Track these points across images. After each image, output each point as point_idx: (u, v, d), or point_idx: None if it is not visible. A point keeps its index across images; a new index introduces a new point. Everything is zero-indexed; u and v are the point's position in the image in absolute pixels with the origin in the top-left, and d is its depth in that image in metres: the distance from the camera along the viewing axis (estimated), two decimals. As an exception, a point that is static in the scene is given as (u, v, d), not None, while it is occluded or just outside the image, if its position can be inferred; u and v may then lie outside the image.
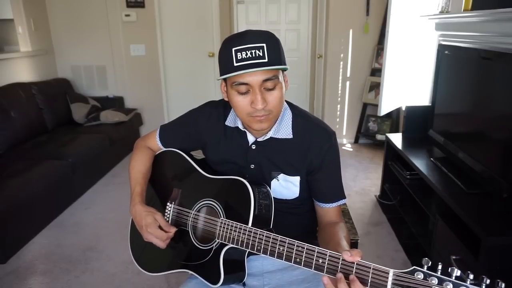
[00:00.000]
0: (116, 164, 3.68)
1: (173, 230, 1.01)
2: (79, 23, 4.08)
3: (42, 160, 2.72)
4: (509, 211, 1.59)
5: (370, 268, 0.74)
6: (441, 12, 2.44)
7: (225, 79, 0.97)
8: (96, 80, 4.28)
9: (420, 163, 2.20)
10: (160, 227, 1.00)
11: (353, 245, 1.48)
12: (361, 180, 3.26)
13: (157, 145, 1.19)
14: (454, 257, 1.64)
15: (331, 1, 3.85)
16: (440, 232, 1.86)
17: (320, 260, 0.80)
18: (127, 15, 4.07)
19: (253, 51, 0.88)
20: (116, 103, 4.18)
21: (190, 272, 1.03)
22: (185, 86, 4.51)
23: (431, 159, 2.25)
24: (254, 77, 0.90)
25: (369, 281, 0.74)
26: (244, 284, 1.07)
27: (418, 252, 2.17)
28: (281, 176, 1.05)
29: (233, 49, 0.88)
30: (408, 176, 2.41)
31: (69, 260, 2.19)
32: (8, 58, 3.41)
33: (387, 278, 0.72)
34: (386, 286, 0.72)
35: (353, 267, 0.76)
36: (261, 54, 0.88)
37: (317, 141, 1.03)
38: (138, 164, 1.15)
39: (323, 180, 1.05)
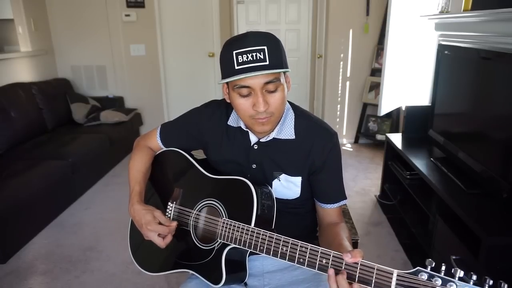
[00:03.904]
0: (116, 164, 3.68)
1: (174, 224, 1.01)
2: (79, 23, 4.08)
3: (42, 160, 2.72)
4: (509, 211, 1.59)
5: (374, 268, 0.75)
6: (441, 12, 2.44)
7: (227, 82, 0.97)
8: (96, 80, 4.28)
9: (420, 163, 2.20)
10: (161, 224, 1.00)
11: (353, 245, 1.48)
12: (361, 180, 3.26)
13: (158, 144, 1.19)
14: (454, 257, 1.64)
15: (331, 1, 3.85)
16: (440, 232, 1.86)
17: (324, 261, 0.80)
18: (127, 15, 4.07)
19: (254, 54, 0.87)
20: (116, 103, 4.19)
21: (191, 272, 1.03)
22: (185, 86, 4.51)
23: (431, 159, 2.25)
24: (256, 80, 0.90)
25: (373, 281, 0.74)
26: (245, 284, 1.07)
27: (418, 252, 2.17)
28: (283, 176, 1.05)
29: (234, 52, 0.88)
30: (408, 176, 2.41)
31: (69, 260, 2.19)
32: (8, 58, 3.41)
33: (391, 278, 0.72)
34: (390, 286, 0.72)
35: (357, 268, 0.76)
36: (262, 57, 0.87)
37: (320, 142, 1.03)
38: (138, 163, 1.14)
39: (325, 180, 1.05)
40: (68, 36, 4.12)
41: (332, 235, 0.98)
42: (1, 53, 3.51)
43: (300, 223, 1.12)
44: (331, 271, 0.78)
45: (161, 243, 0.99)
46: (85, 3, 4.02)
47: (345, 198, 1.09)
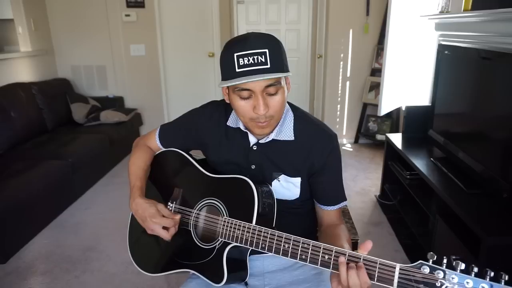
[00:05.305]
0: (116, 164, 3.68)
1: (178, 217, 1.01)
2: (79, 23, 4.09)
3: (42, 160, 2.72)
4: (509, 211, 1.59)
5: (376, 263, 0.75)
6: (441, 12, 2.44)
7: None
8: (96, 80, 4.28)
9: (420, 163, 2.20)
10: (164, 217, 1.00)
11: (353, 245, 1.48)
12: (361, 180, 3.26)
13: (157, 145, 1.19)
14: (454, 257, 1.64)
15: (331, 1, 3.85)
16: (440, 232, 1.86)
17: (326, 257, 0.80)
18: (127, 15, 4.07)
19: (255, 57, 0.87)
20: (116, 103, 4.19)
21: (192, 271, 1.03)
22: (185, 86, 4.51)
23: (431, 159, 2.25)
24: (256, 83, 0.89)
25: (376, 275, 0.74)
26: (246, 284, 1.07)
27: (418, 252, 2.17)
28: (282, 177, 1.05)
29: (235, 54, 0.87)
30: (408, 176, 2.41)
31: (69, 260, 2.19)
32: (8, 58, 3.41)
33: (394, 272, 0.73)
34: (392, 280, 0.72)
35: (359, 262, 0.76)
36: (263, 60, 0.87)
37: (319, 144, 1.03)
38: (138, 161, 1.14)
39: (325, 182, 1.05)
40: (68, 36, 4.12)
41: (332, 237, 0.98)
42: (1, 53, 3.51)
43: (300, 223, 1.12)
44: (343, 259, 0.78)
45: (166, 235, 0.99)
46: (85, 3, 4.03)
47: (345, 199, 1.09)
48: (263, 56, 0.87)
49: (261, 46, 0.87)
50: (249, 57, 0.87)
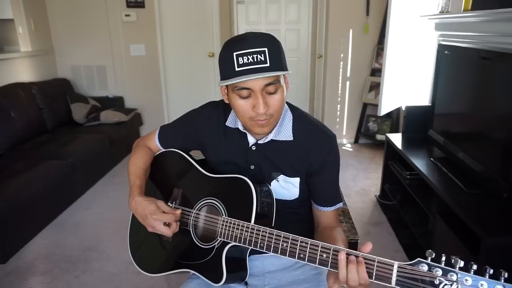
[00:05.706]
0: (116, 164, 3.68)
1: (178, 211, 1.01)
2: (79, 23, 4.09)
3: (42, 160, 2.72)
4: (509, 211, 1.59)
5: (374, 261, 0.75)
6: (441, 12, 2.44)
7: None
8: (96, 80, 4.28)
9: (420, 163, 2.20)
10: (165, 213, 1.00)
11: (353, 245, 1.49)
12: (361, 180, 3.25)
13: (156, 146, 1.19)
14: (454, 257, 1.64)
15: (331, 1, 3.85)
16: (440, 232, 1.86)
17: (324, 255, 0.80)
18: (127, 15, 4.07)
19: (254, 55, 0.87)
20: (116, 103, 4.19)
21: (192, 271, 1.03)
22: (185, 86, 4.51)
23: (431, 159, 2.25)
24: (256, 82, 0.89)
25: (374, 273, 0.74)
26: (246, 284, 1.07)
27: (418, 252, 2.16)
28: (281, 177, 1.05)
29: (234, 53, 0.87)
30: (408, 176, 2.41)
31: (69, 260, 2.19)
32: (8, 58, 3.41)
33: (392, 270, 0.73)
34: (391, 278, 0.72)
35: (359, 257, 0.77)
36: (262, 58, 0.87)
37: (318, 144, 1.03)
38: (138, 161, 1.14)
39: (323, 183, 1.05)
40: (68, 36, 4.12)
41: (329, 239, 0.98)
42: (1, 53, 3.51)
43: (299, 223, 1.12)
44: (342, 255, 0.77)
45: (167, 231, 0.98)
46: (85, 3, 4.03)
47: (341, 201, 1.10)
48: (262, 54, 0.87)
49: (260, 45, 0.87)
50: (249, 56, 0.87)
